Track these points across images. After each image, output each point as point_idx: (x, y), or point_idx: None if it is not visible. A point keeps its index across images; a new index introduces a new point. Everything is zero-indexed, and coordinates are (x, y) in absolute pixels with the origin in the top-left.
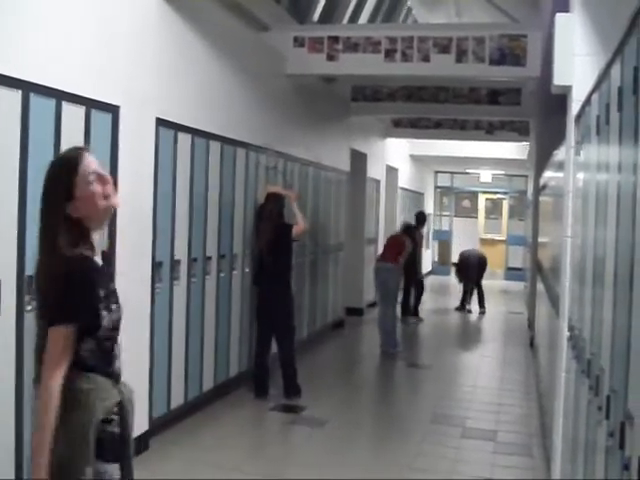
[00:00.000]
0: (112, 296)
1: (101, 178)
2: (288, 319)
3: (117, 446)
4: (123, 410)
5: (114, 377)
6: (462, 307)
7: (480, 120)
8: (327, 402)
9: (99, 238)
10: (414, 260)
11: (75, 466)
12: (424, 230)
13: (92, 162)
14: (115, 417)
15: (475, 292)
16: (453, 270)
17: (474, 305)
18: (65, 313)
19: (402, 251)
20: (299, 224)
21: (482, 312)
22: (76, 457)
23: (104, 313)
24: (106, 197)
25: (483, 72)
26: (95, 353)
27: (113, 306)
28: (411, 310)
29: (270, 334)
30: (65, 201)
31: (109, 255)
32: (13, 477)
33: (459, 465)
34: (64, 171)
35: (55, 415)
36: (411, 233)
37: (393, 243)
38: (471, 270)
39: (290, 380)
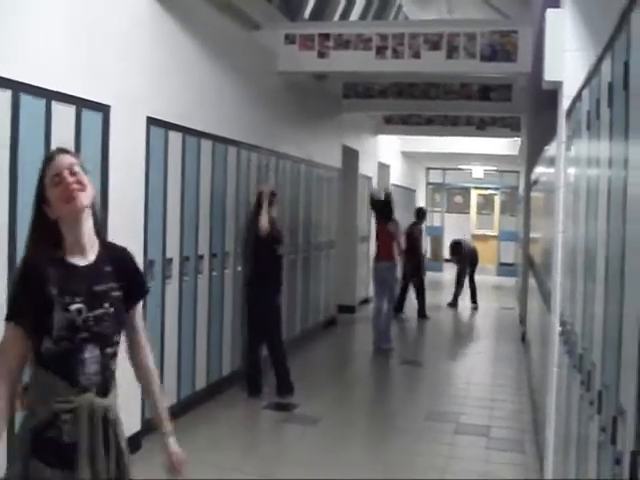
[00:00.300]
0: (77, 295)
1: (62, 180)
2: (278, 319)
3: (61, 453)
4: (79, 419)
5: (77, 383)
6: (454, 303)
7: (471, 116)
8: (320, 400)
9: (83, 239)
10: (414, 254)
11: (16, 458)
12: (422, 226)
13: (60, 164)
14: (64, 425)
15: (468, 287)
16: (446, 263)
17: (467, 301)
18: (8, 310)
19: (394, 239)
20: (261, 222)
21: (474, 307)
22: (17, 451)
23: (57, 312)
24: (67, 200)
25: (474, 68)
26: (52, 352)
27: (74, 306)
28: (404, 307)
29: (262, 333)
30: (42, 203)
31: (115, 253)
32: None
33: (453, 462)
34: (39, 174)
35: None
36: (387, 211)
37: (383, 238)
38: (463, 255)
39: (282, 378)
